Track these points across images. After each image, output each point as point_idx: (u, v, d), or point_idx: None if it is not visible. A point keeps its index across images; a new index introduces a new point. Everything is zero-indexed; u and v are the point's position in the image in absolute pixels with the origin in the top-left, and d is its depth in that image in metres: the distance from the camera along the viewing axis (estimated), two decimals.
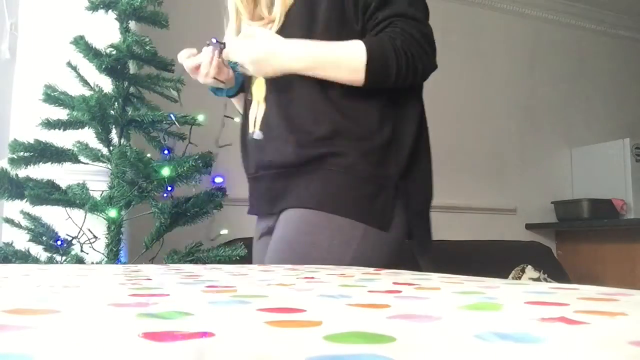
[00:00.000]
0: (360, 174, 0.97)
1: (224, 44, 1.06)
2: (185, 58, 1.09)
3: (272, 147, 1.03)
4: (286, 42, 0.97)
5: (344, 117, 0.98)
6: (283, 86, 1.02)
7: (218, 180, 1.85)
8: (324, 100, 0.99)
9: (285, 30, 1.00)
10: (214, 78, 1.09)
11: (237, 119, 1.28)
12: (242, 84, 1.17)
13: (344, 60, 0.95)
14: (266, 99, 1.05)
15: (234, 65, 1.11)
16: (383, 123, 0.99)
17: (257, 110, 1.07)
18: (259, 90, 1.07)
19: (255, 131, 1.07)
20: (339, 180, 0.97)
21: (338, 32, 0.98)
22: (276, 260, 0.96)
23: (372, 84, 0.96)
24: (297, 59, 0.96)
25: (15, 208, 1.66)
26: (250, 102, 1.11)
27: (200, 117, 1.76)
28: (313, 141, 0.98)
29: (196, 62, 1.08)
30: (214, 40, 1.06)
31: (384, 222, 0.98)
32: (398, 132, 1.01)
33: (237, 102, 1.24)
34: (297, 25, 1.00)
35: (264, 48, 0.97)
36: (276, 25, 1.02)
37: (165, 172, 1.57)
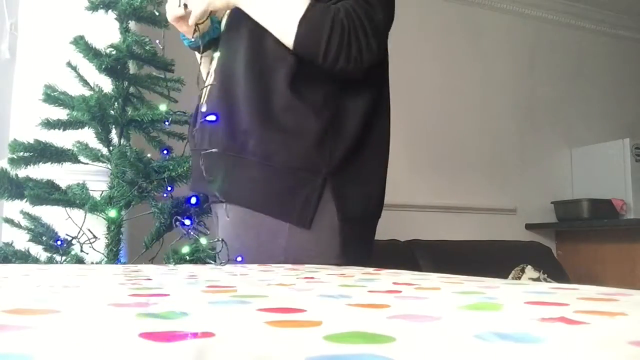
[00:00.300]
0: (280, 166, 0.90)
1: None
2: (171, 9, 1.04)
3: (209, 129, 0.98)
4: None
5: (276, 107, 0.92)
6: (230, 60, 0.99)
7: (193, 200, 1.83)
8: (265, 81, 0.94)
9: None
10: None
11: None
12: (205, 46, 1.11)
13: (284, 6, 0.91)
14: (215, 71, 1.02)
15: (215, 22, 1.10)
16: (318, 115, 0.91)
17: (209, 80, 1.04)
18: (214, 61, 1.05)
19: (203, 103, 1.02)
20: (258, 171, 0.92)
21: None
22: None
23: (300, 44, 0.90)
24: None
25: (15, 208, 1.66)
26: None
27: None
28: (242, 124, 0.93)
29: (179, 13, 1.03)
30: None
31: (300, 218, 0.89)
32: (337, 127, 0.93)
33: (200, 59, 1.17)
34: None
35: None
36: None
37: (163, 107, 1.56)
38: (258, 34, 0.96)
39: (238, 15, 0.99)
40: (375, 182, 0.98)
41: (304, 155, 0.90)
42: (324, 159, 0.91)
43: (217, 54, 1.05)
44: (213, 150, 0.96)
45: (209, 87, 1.03)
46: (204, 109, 0.99)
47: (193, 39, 1.08)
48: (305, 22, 0.89)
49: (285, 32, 0.91)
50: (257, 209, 0.92)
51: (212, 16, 1.07)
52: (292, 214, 0.90)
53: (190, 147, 1.09)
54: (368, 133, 0.96)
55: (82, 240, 1.64)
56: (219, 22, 1.11)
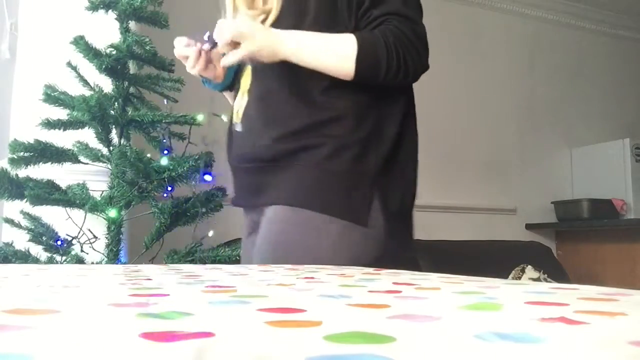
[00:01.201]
0: (334, 169, 0.95)
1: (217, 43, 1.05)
2: (178, 46, 1.08)
3: (250, 140, 1.02)
4: (274, 29, 0.98)
5: (321, 112, 0.97)
6: (265, 79, 1.02)
7: (207, 178, 1.83)
8: (303, 94, 0.98)
9: (276, 24, 1.00)
10: (200, 74, 1.09)
11: (224, 117, 1.28)
12: (232, 82, 1.17)
13: (334, 48, 0.94)
14: (249, 91, 1.05)
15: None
16: (363, 120, 0.97)
17: (241, 101, 1.07)
18: (245, 81, 1.07)
19: (237, 123, 1.07)
20: (312, 175, 0.96)
21: (328, 26, 0.96)
22: (260, 261, 0.96)
23: (362, 77, 0.95)
24: (285, 39, 0.95)
25: (15, 208, 1.66)
26: (237, 93, 1.10)
27: (200, 117, 1.76)
28: (288, 135, 0.97)
29: (184, 53, 1.07)
30: (206, 36, 1.05)
31: (359, 216, 0.95)
32: (379, 130, 0.99)
33: (229, 97, 1.24)
34: (287, 16, 1.00)
35: (249, 25, 0.97)
36: (272, 16, 1.01)
37: (164, 162, 1.58)
38: None
39: None
40: (411, 178, 1.04)
41: (353, 159, 0.96)
42: (370, 162, 0.97)
43: (245, 77, 1.07)
44: (262, 163, 1.00)
45: (243, 105, 1.06)
46: (238, 128, 1.05)
47: (220, 82, 1.13)
48: (362, 59, 0.93)
49: (342, 72, 0.95)
50: (314, 209, 0.95)
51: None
52: (350, 212, 0.95)
53: (232, 164, 1.11)
54: (402, 134, 1.02)
55: (82, 240, 1.64)
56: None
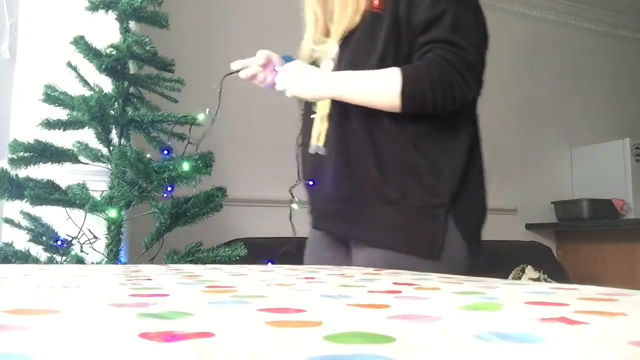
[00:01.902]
0: (404, 206, 0.99)
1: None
2: (241, 68, 1.18)
3: (347, 172, 1.05)
4: (321, 71, 1.06)
5: (425, 153, 1.00)
6: (341, 125, 1.05)
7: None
8: (376, 140, 1.02)
9: (347, 56, 1.05)
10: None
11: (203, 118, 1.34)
12: None
13: (379, 86, 0.97)
14: (330, 117, 1.08)
15: None
16: (429, 157, 1.01)
17: (321, 125, 1.09)
18: (323, 106, 1.10)
19: (318, 145, 1.09)
20: (388, 215, 1.00)
21: (395, 60, 0.99)
22: None
23: (410, 109, 0.97)
24: (332, 81, 1.02)
25: (15, 208, 1.66)
26: (308, 114, 1.14)
27: (201, 117, 1.76)
28: (395, 175, 1.00)
29: (249, 74, 1.18)
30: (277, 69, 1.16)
31: (432, 252, 0.98)
32: (448, 161, 1.02)
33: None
34: (357, 50, 1.04)
35: (297, 73, 1.06)
36: (333, 44, 1.08)
37: (185, 166, 1.60)
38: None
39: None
40: (482, 199, 1.07)
41: (426, 192, 0.99)
42: (443, 192, 0.99)
43: (317, 114, 1.11)
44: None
45: (320, 131, 1.10)
46: (321, 151, 1.09)
47: None
48: (406, 93, 0.96)
49: (390, 106, 0.98)
50: (400, 250, 0.99)
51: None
52: (425, 248, 0.98)
53: (311, 199, 1.16)
54: (472, 159, 1.04)
55: (82, 241, 1.64)
56: None
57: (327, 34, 1.12)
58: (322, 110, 1.09)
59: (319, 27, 1.13)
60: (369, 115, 1.01)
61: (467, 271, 0.97)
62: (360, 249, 1.04)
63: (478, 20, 1.03)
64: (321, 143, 1.08)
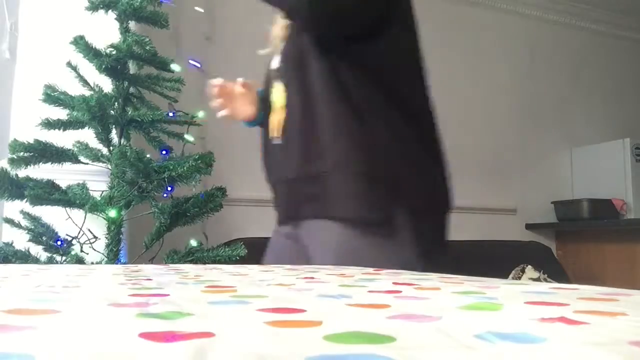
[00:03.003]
0: (368, 176, 0.99)
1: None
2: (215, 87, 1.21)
3: (290, 158, 1.05)
4: None
5: (361, 134, 1.00)
6: (302, 98, 1.04)
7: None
8: (343, 116, 1.01)
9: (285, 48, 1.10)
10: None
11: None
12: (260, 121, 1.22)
13: None
14: (286, 106, 1.08)
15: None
16: (387, 130, 1.01)
17: (278, 116, 1.10)
18: (277, 97, 1.10)
19: (274, 137, 1.10)
20: (356, 186, 0.99)
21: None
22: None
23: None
24: None
25: (15, 208, 1.66)
26: (269, 106, 1.14)
27: (200, 114, 1.76)
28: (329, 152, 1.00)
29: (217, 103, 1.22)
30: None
31: (378, 219, 0.98)
32: (403, 137, 1.02)
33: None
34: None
35: None
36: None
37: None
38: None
39: (290, 58, 1.08)
40: (436, 176, 1.06)
41: (383, 163, 0.99)
42: (379, 162, 0.99)
43: (276, 93, 1.11)
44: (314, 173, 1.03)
45: (278, 122, 1.11)
46: (277, 141, 1.09)
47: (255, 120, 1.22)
48: None
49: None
50: (349, 218, 0.98)
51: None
52: (372, 217, 0.98)
53: (271, 180, 1.16)
54: (415, 132, 1.05)
55: (82, 240, 1.64)
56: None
57: None
58: (277, 101, 1.10)
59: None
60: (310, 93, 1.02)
61: (423, 256, 0.97)
62: (313, 236, 1.04)
63: None
64: (277, 134, 1.09)
